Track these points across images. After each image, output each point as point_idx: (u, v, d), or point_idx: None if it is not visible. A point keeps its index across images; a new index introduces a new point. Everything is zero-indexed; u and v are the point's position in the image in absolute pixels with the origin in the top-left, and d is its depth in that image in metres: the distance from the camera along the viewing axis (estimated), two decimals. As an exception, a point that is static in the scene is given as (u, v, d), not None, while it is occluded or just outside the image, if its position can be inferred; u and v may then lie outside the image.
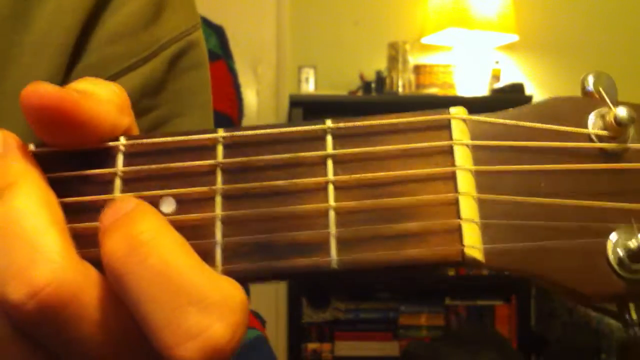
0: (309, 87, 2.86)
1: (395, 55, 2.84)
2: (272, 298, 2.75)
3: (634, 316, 0.28)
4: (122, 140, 0.30)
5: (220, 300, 0.25)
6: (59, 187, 0.28)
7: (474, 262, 0.28)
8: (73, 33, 0.46)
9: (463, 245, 0.27)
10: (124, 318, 0.26)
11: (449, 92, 2.83)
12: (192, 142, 0.30)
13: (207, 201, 0.29)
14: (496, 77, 2.88)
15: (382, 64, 2.86)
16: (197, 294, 0.25)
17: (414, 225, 0.28)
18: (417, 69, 2.87)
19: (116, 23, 0.47)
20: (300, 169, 0.29)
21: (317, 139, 0.29)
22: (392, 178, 0.29)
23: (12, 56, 0.44)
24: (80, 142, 0.29)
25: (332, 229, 0.28)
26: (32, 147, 0.29)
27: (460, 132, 0.29)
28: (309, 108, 2.72)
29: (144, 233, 0.26)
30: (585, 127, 0.30)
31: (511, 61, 2.96)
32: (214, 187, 0.29)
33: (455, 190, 0.28)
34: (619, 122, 0.29)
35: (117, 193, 0.29)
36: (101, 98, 0.29)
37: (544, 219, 0.28)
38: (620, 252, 0.28)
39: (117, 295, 0.26)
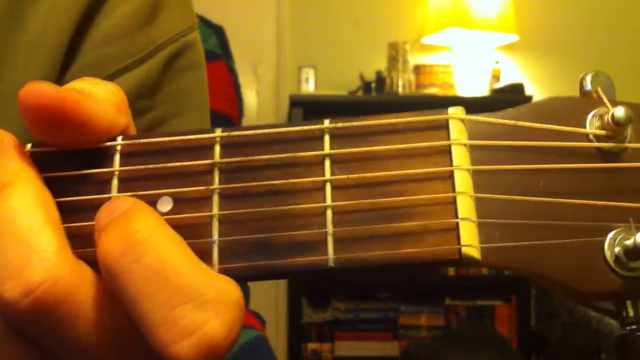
0: (309, 87, 2.85)
1: (395, 55, 2.84)
2: (272, 298, 2.75)
3: (631, 313, 0.28)
4: (120, 140, 0.30)
5: (215, 297, 0.25)
6: (56, 187, 0.28)
7: (471, 261, 0.28)
8: (67, 33, 0.46)
9: (460, 244, 0.28)
10: (119, 317, 0.26)
11: (449, 92, 2.83)
12: (190, 141, 0.30)
13: (204, 200, 0.29)
14: (496, 77, 2.88)
15: (382, 64, 2.86)
16: (193, 292, 0.25)
17: (412, 224, 0.28)
18: (417, 69, 2.87)
19: (110, 25, 0.47)
20: (297, 168, 0.29)
21: (315, 139, 0.29)
22: (389, 178, 0.29)
23: (7, 56, 0.45)
24: (78, 141, 0.29)
25: (330, 228, 0.28)
26: (28, 146, 0.29)
27: (458, 132, 0.29)
28: (309, 108, 2.72)
29: (141, 232, 0.26)
30: (584, 126, 0.30)
31: (511, 61, 2.96)
32: (211, 187, 0.29)
33: (453, 189, 0.28)
34: (616, 122, 0.29)
35: (114, 192, 0.29)
36: (99, 98, 0.29)
37: (542, 218, 0.28)
38: (618, 251, 0.28)
39: (113, 294, 0.26)
